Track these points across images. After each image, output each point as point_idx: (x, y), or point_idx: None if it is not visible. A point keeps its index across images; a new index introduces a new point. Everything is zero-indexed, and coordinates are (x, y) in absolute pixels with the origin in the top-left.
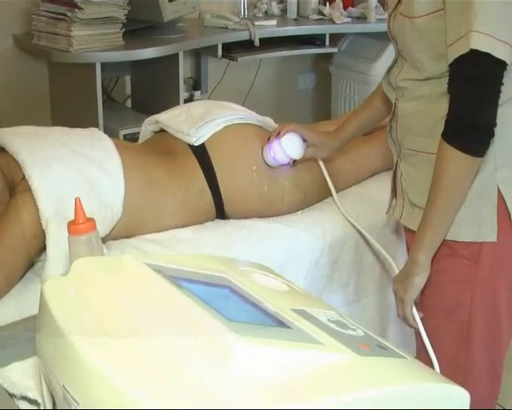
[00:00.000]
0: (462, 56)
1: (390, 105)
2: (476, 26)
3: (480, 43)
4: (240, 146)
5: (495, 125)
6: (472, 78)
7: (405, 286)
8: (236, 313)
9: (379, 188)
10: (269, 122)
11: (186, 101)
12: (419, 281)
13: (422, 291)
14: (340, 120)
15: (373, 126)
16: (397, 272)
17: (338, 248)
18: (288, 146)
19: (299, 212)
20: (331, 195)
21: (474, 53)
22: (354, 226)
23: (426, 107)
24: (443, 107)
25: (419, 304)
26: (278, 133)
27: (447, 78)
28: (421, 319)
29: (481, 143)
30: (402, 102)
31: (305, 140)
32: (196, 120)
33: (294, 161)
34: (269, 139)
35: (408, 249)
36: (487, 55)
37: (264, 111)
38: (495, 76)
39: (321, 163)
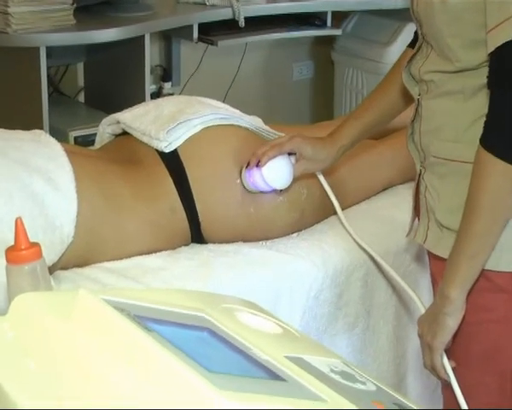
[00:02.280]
0: (505, 44)
1: (409, 98)
2: None
3: None
4: (221, 153)
5: None
6: None
7: (434, 329)
8: (218, 361)
9: (394, 205)
10: (257, 123)
11: (153, 95)
12: (451, 323)
13: (454, 334)
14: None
15: (383, 126)
16: (422, 310)
17: (343, 280)
18: (271, 177)
19: (295, 234)
20: (334, 213)
21: None
22: (366, 252)
23: (458, 105)
24: (479, 105)
25: (449, 350)
26: (259, 162)
27: (485, 69)
28: (454, 369)
29: None
30: (427, 99)
31: (292, 153)
32: (167, 121)
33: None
34: (248, 165)
35: (433, 281)
36: None
37: (252, 109)
38: None
39: (320, 176)
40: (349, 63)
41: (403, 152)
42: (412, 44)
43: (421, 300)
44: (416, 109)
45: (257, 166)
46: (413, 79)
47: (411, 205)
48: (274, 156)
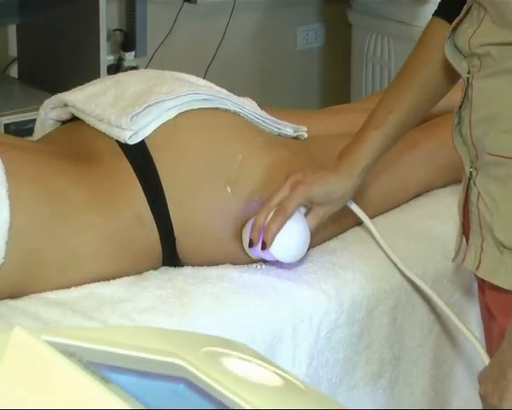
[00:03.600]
0: None
1: (453, 78)
2: None
3: None
4: (204, 146)
5: None
6: None
7: (502, 387)
8: None
9: (431, 215)
10: (250, 106)
11: (111, 68)
12: None
13: None
14: (368, 101)
15: (416, 124)
16: (485, 361)
17: (364, 315)
18: (283, 253)
19: None
20: (353, 225)
21: None
22: (397, 278)
23: None
24: None
25: None
26: (264, 242)
27: None
28: None
29: None
30: (481, 78)
31: (304, 205)
32: (132, 103)
33: None
34: (251, 243)
35: (485, 318)
36: None
37: (243, 87)
38: None
39: (352, 205)
40: (371, 27)
41: (445, 146)
42: (441, 13)
43: (482, 346)
44: (465, 92)
45: (262, 247)
46: (460, 52)
47: (458, 218)
48: (280, 229)
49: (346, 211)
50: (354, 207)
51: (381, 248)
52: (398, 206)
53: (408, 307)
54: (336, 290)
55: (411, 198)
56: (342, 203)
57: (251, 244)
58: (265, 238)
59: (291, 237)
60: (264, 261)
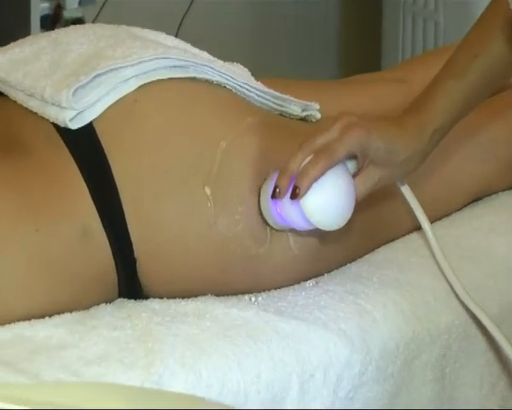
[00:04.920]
0: None
1: None
2: None
3: None
4: (174, 131)
5: None
6: None
7: None
8: None
9: (492, 227)
10: (240, 76)
11: (46, 22)
12: None
13: None
14: (404, 68)
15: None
16: None
17: (400, 366)
18: (319, 213)
19: (310, 282)
20: (383, 242)
21: None
22: (481, 322)
23: None
24: None
25: None
26: (296, 189)
27: None
28: None
29: None
30: None
31: (353, 157)
32: (75, 71)
33: None
34: (274, 194)
35: None
36: None
37: (230, 50)
38: None
39: (404, 187)
40: None
41: (509, 133)
42: None
43: None
44: None
45: (292, 194)
46: None
47: None
48: (320, 175)
49: (403, 211)
50: (405, 190)
51: (438, 263)
52: (448, 215)
53: (461, 356)
54: (361, 333)
55: (465, 204)
56: (403, 173)
57: (275, 195)
58: (298, 183)
59: (332, 193)
60: (259, 291)
